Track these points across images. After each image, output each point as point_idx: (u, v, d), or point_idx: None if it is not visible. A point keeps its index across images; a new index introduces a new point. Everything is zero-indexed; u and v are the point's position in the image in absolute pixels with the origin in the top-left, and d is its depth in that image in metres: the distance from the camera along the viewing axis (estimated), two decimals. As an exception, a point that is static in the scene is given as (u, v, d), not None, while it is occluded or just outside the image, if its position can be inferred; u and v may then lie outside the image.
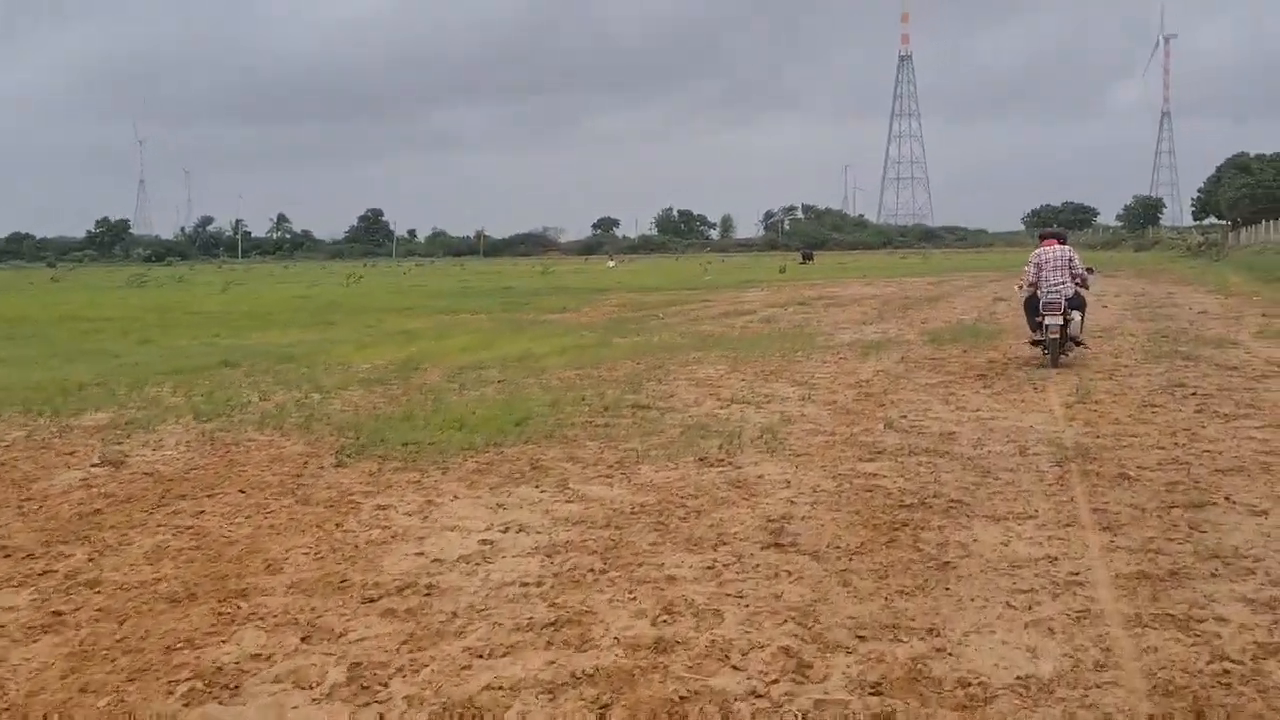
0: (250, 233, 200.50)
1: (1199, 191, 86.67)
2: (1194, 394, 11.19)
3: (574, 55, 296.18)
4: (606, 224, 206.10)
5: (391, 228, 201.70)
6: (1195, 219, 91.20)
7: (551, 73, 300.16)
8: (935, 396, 11.40)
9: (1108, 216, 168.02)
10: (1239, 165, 77.47)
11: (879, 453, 8.52)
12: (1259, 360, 14.07)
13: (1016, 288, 16.91)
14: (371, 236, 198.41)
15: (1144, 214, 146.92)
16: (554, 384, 12.83)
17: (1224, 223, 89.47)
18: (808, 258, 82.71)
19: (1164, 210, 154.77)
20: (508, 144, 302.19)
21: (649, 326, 21.93)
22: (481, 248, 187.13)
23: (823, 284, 43.42)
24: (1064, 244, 14.78)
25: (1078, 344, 14.39)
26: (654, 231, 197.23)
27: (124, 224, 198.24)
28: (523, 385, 12.75)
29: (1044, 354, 14.16)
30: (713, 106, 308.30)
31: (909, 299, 30.97)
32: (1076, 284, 14.46)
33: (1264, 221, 63.90)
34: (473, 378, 13.45)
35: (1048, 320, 14.02)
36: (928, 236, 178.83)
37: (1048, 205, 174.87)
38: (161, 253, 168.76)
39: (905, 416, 10.14)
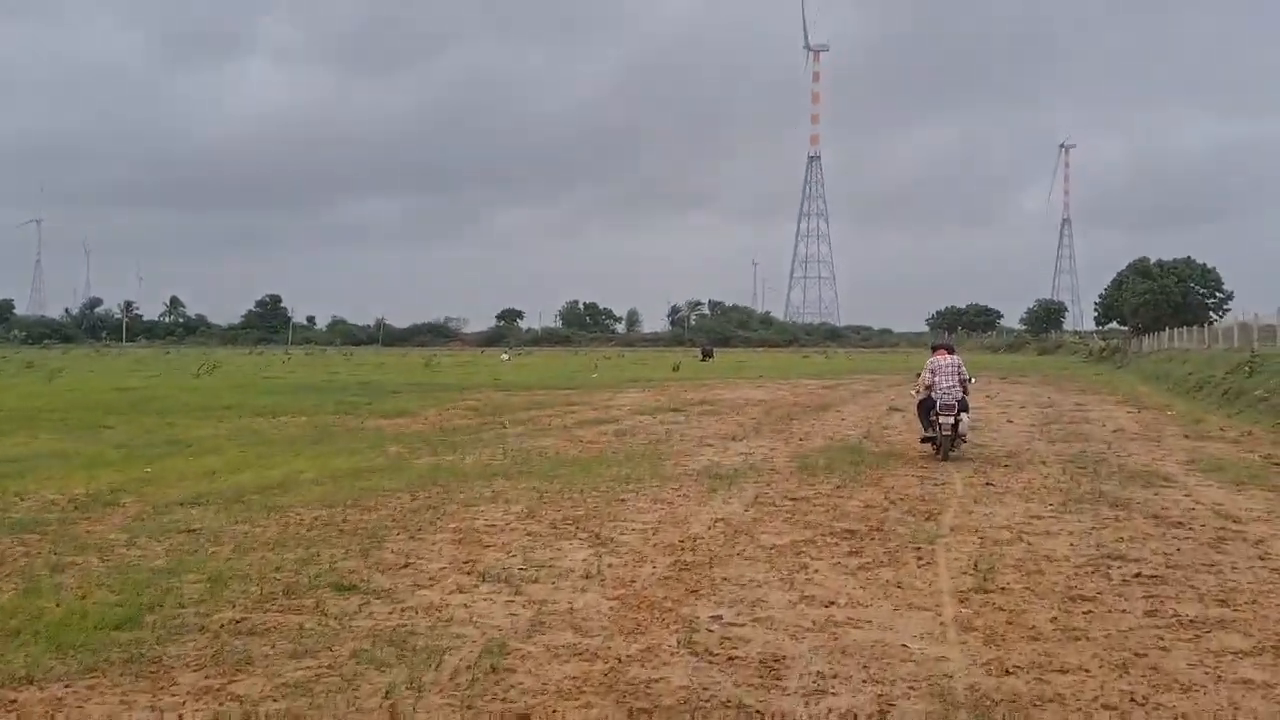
0: (141, 315, 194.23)
1: (1101, 296, 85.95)
2: (1137, 575, 8.00)
3: (484, 151, 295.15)
4: (510, 316, 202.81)
5: (290, 314, 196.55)
6: (1098, 324, 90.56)
7: (461, 168, 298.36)
8: (779, 573, 8.04)
9: (1011, 319, 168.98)
10: (1140, 270, 76.65)
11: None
12: (1205, 508, 11.04)
13: (913, 392, 18.34)
14: (268, 323, 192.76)
15: (1046, 317, 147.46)
16: (265, 536, 9.26)
17: (1125, 328, 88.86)
18: (707, 355, 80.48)
19: (1066, 314, 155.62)
20: (415, 235, 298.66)
21: (481, 439, 18.45)
22: (381, 337, 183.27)
23: (713, 385, 40.39)
24: (953, 354, 16.87)
25: (963, 440, 16.20)
26: (558, 324, 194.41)
27: (8, 304, 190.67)
28: (219, 537, 9.17)
29: (935, 449, 15.92)
30: (622, 203, 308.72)
31: (797, 406, 27.94)
32: (962, 387, 16.26)
33: (1166, 329, 62.59)
34: (166, 523, 9.82)
35: (941, 419, 15.67)
36: (833, 335, 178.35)
37: (952, 306, 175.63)
38: (43, 334, 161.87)
39: (721, 618, 6.75)
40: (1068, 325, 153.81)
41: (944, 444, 15.60)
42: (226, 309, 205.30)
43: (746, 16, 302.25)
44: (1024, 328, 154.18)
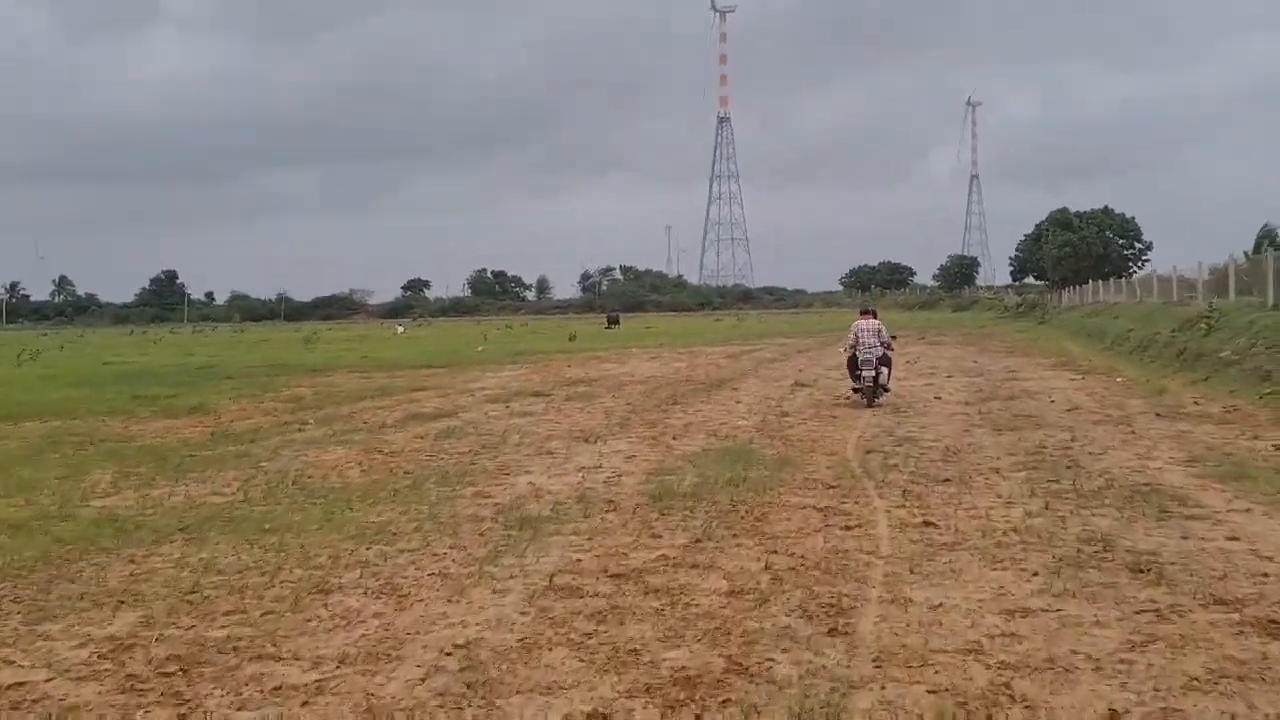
0: (29, 296, 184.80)
1: (1017, 250, 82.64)
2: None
3: (399, 121, 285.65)
4: (416, 286, 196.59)
5: (187, 290, 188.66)
6: (1014, 279, 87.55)
7: (375, 138, 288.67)
8: None
9: (924, 276, 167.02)
10: (1060, 222, 73.15)
11: None
12: None
13: (841, 350, 20.37)
14: (164, 300, 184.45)
15: (959, 273, 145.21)
16: None
17: (1041, 283, 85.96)
18: (613, 322, 76.38)
19: (979, 270, 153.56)
20: (326, 207, 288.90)
21: (240, 455, 13.78)
22: (282, 311, 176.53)
23: (605, 357, 35.93)
24: (875, 318, 18.97)
25: (886, 390, 18.41)
26: (467, 293, 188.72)
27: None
28: None
29: (861, 398, 18.05)
30: (534, 171, 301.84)
31: (689, 383, 23.57)
32: (884, 347, 18.30)
33: (1089, 281, 59.32)
34: None
35: (864, 373, 17.99)
36: (746, 297, 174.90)
37: (865, 265, 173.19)
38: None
39: None
40: (980, 281, 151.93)
41: (868, 393, 17.99)
42: (123, 287, 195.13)
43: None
44: (937, 284, 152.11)
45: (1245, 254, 45.27)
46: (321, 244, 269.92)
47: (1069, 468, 10.95)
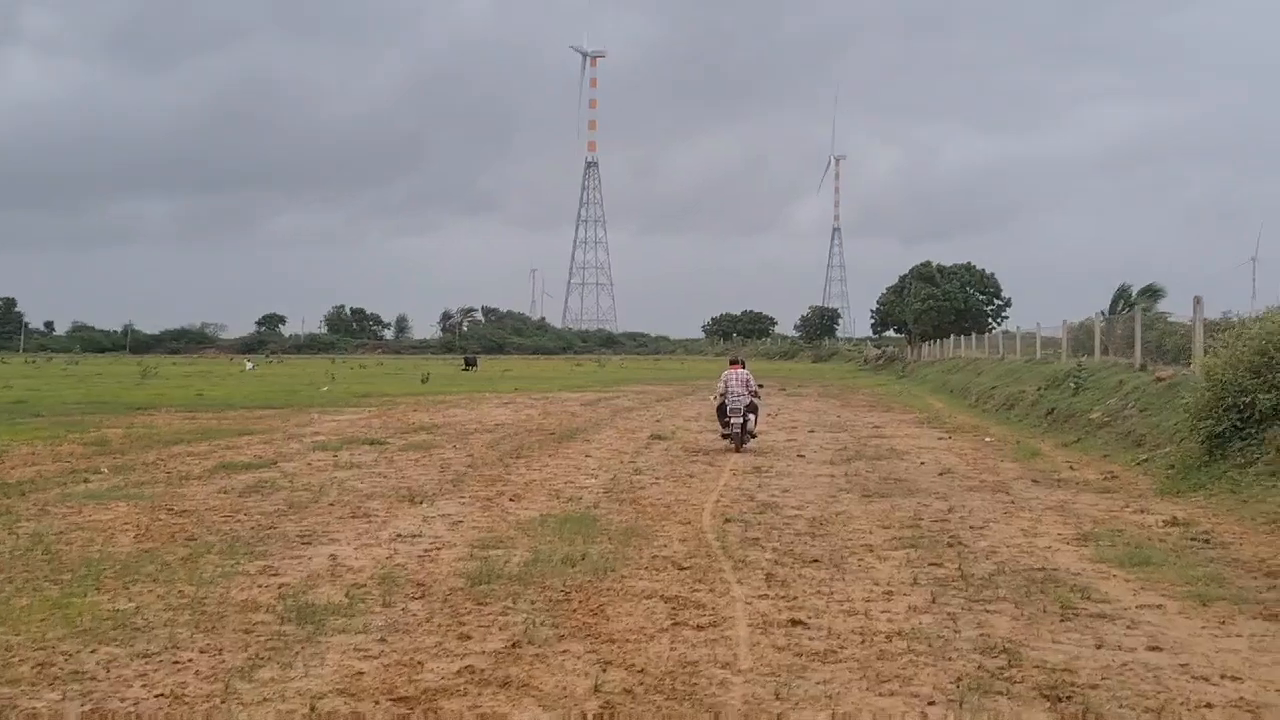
0: None
1: (879, 303, 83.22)
2: None
3: (265, 153, 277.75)
4: (271, 321, 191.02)
5: (25, 319, 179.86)
6: (875, 331, 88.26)
7: (239, 170, 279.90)
8: None
9: (786, 326, 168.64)
10: (924, 275, 73.65)
11: None
12: (1220, 689, 5.58)
13: (711, 398, 21.90)
14: (0, 328, 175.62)
15: (820, 324, 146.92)
16: None
17: (902, 336, 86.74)
18: (470, 364, 74.62)
19: (840, 321, 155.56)
20: (185, 239, 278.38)
21: None
22: (129, 344, 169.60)
23: (454, 402, 34.13)
24: (744, 367, 19.93)
25: (753, 435, 19.30)
26: (324, 330, 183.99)
27: None
28: None
29: (730, 443, 18.77)
30: (400, 208, 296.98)
31: (539, 433, 22.02)
32: (751, 395, 19.13)
33: (951, 336, 59.59)
34: None
35: (732, 420, 18.80)
36: (609, 342, 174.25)
37: (727, 314, 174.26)
38: None
39: None
40: (841, 332, 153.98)
41: (736, 439, 18.68)
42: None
43: (538, 22, 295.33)
44: (798, 335, 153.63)
45: (1102, 313, 45.85)
46: (177, 276, 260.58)
47: (950, 545, 9.69)
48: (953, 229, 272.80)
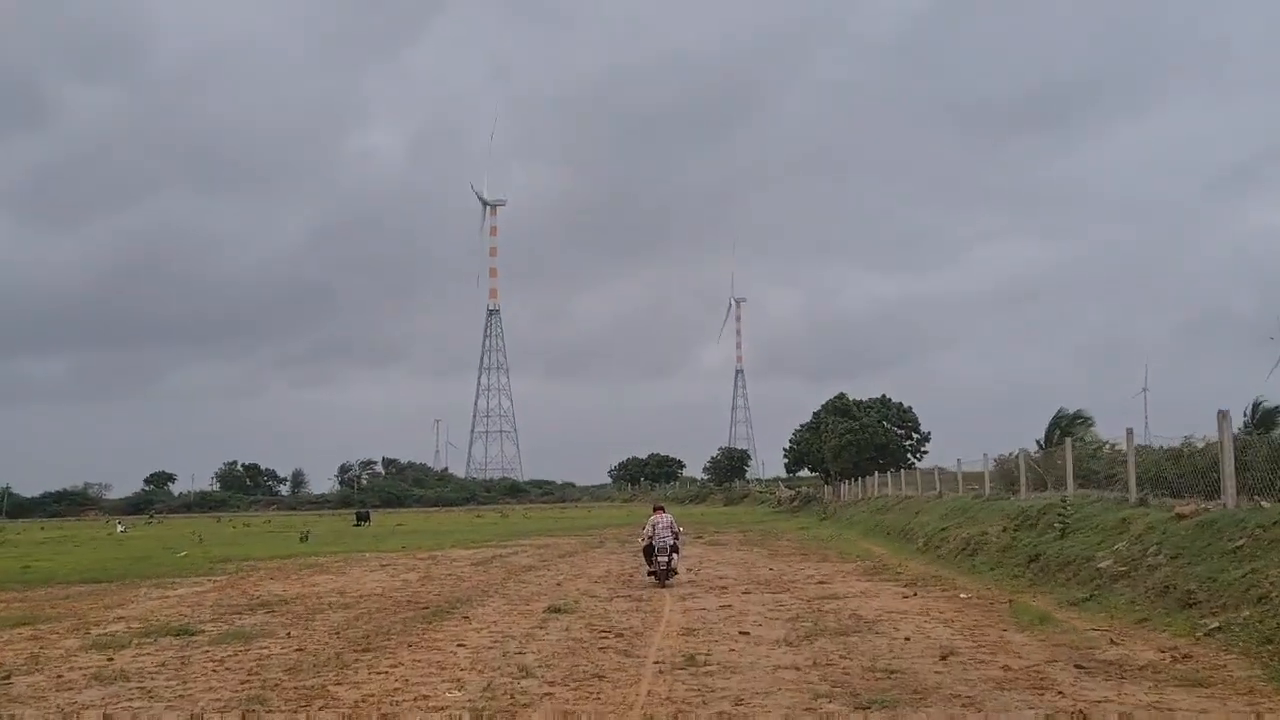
0: None
1: (791, 441, 79.55)
2: None
3: (166, 307, 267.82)
4: (160, 479, 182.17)
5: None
6: (788, 470, 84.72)
7: (131, 323, 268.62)
8: None
9: (694, 468, 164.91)
10: (840, 409, 69.91)
11: None
12: None
13: (639, 540, 22.46)
14: None
15: (730, 466, 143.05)
16: None
17: (817, 474, 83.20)
18: (362, 519, 70.00)
19: (749, 462, 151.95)
20: (70, 397, 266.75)
21: None
22: (4, 506, 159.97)
23: (327, 565, 29.38)
24: (666, 512, 22.01)
25: (674, 573, 21.10)
26: (215, 487, 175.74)
27: None
28: None
29: (656, 580, 20.72)
30: (301, 360, 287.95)
31: (409, 606, 17.57)
32: (675, 537, 21.10)
33: (875, 473, 55.99)
34: None
35: (659, 558, 20.79)
36: (514, 491, 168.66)
37: (634, 458, 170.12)
38: None
39: None
40: (751, 473, 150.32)
41: (661, 575, 20.77)
42: None
43: (448, 172, 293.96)
44: (707, 477, 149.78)
45: (1038, 443, 42.62)
46: (67, 435, 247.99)
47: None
48: (856, 367, 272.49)
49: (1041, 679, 9.84)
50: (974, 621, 14.06)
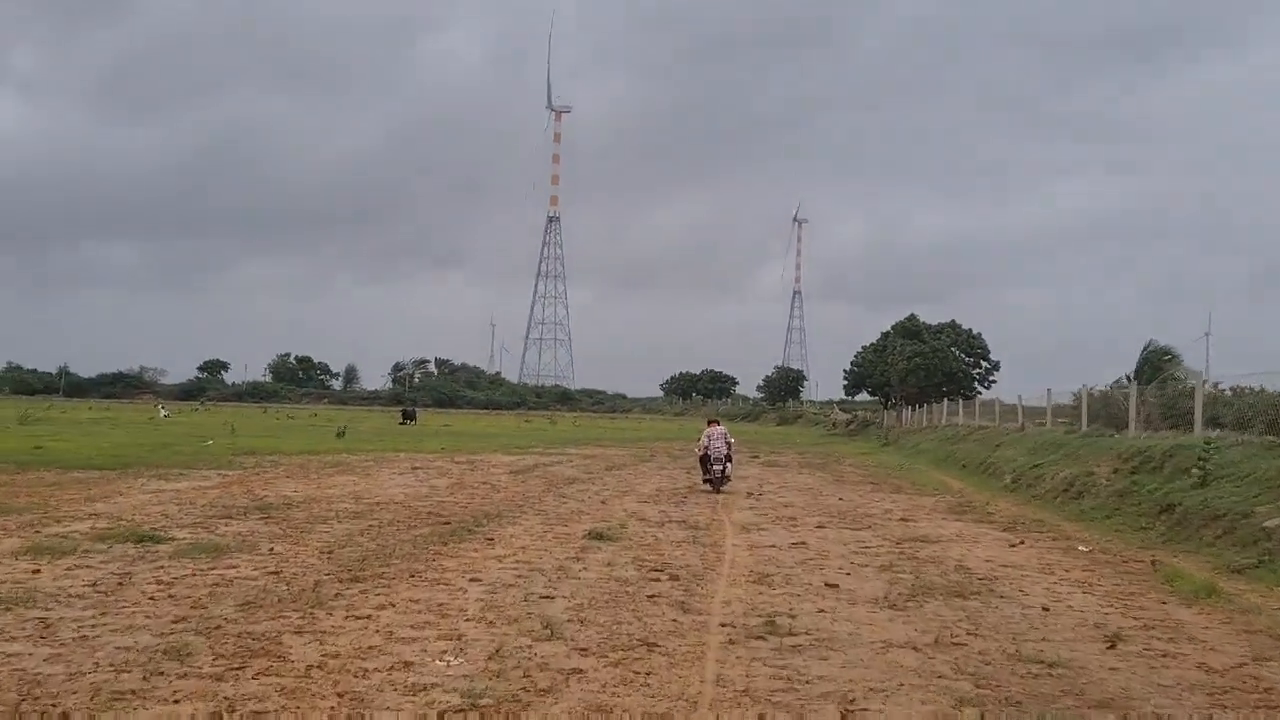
0: None
1: (853, 363, 76.28)
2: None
3: (230, 199, 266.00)
4: (214, 367, 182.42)
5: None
6: (848, 393, 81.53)
7: (202, 215, 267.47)
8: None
9: (747, 387, 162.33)
10: (908, 331, 66.47)
11: None
12: None
13: (695, 449, 24.12)
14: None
15: (785, 385, 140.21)
16: None
17: (877, 398, 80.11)
18: (408, 417, 68.19)
19: (805, 383, 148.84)
20: (139, 284, 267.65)
21: None
22: (62, 386, 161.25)
23: (355, 464, 27.08)
24: (720, 425, 23.43)
25: (727, 479, 22.44)
26: (268, 378, 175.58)
27: None
28: None
29: (711, 488, 22.00)
30: (365, 259, 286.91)
31: (430, 519, 15.08)
32: (728, 448, 22.44)
33: (943, 399, 52.83)
34: None
35: (714, 467, 22.07)
36: (565, 399, 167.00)
37: (686, 372, 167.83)
38: None
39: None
40: (805, 395, 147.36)
41: (716, 482, 22.13)
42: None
43: (524, 80, 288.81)
44: (761, 395, 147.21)
45: (1128, 377, 39.33)
46: (127, 320, 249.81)
47: None
48: (917, 296, 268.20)
49: (1269, 691, 6.99)
50: (1117, 588, 11.19)
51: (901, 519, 18.07)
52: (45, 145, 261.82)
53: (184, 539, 12.35)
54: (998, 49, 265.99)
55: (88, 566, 10.26)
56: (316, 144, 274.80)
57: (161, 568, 10.35)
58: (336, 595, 9.22)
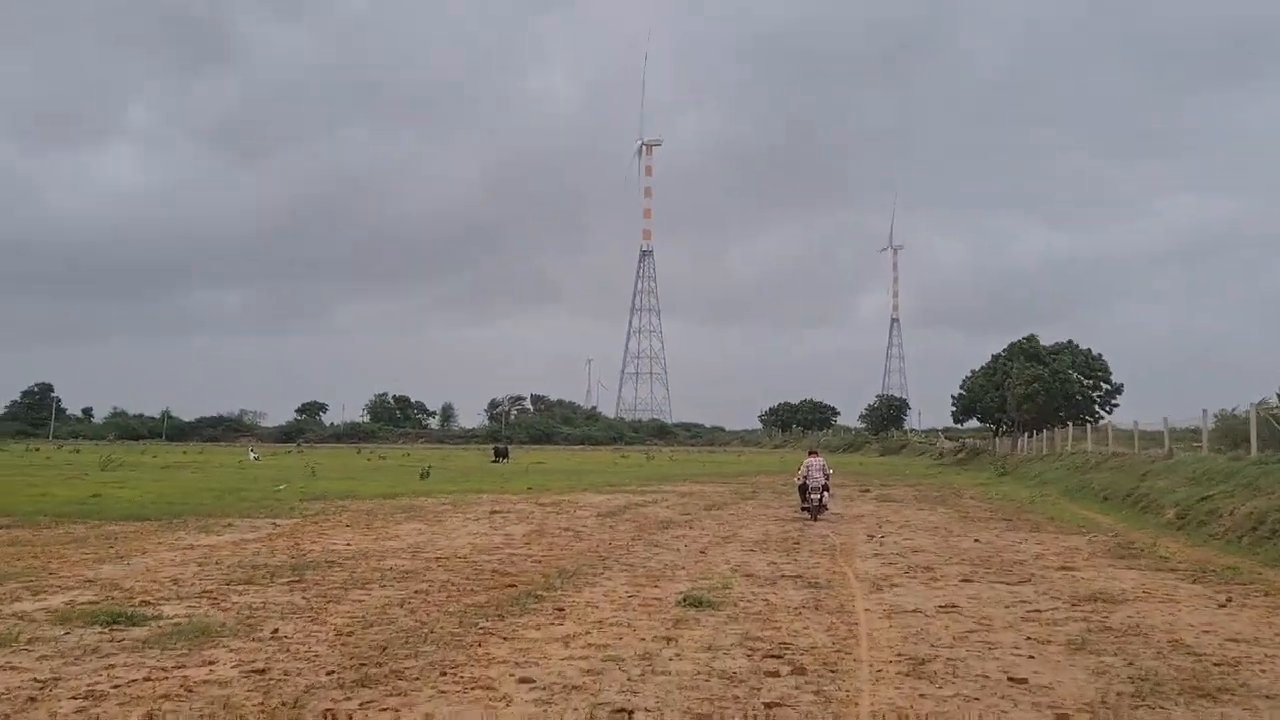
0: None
1: (962, 388, 72.14)
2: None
3: (338, 245, 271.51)
4: (312, 409, 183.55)
5: (62, 405, 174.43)
6: (956, 420, 77.39)
7: (310, 261, 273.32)
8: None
9: (848, 417, 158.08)
10: (1028, 353, 62.30)
11: None
12: None
13: (795, 480, 25.25)
14: (37, 414, 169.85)
15: (887, 414, 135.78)
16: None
17: (987, 425, 75.95)
18: (500, 455, 66.45)
19: (908, 411, 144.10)
20: (243, 328, 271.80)
21: None
22: (165, 430, 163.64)
23: (431, 508, 24.70)
24: (818, 456, 24.31)
25: (825, 509, 23.29)
26: (365, 418, 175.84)
27: None
28: None
29: (809, 515, 22.91)
30: (462, 298, 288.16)
31: (494, 580, 12.35)
32: (825, 478, 23.44)
33: (1064, 424, 48.94)
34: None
35: (812, 495, 23.11)
36: (662, 433, 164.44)
37: (785, 403, 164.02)
38: None
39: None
40: (908, 424, 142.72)
41: (814, 511, 23.04)
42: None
43: (620, 116, 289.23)
44: (863, 425, 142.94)
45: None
46: (230, 363, 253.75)
47: None
48: (1020, 321, 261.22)
49: None
50: None
51: (1062, 567, 14.97)
52: (159, 196, 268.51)
53: (172, 617, 9.79)
54: (1103, 64, 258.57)
55: (13, 668, 7.71)
56: (417, 185, 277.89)
57: (111, 666, 7.78)
58: (326, 714, 6.52)
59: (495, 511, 24.03)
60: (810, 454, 24.65)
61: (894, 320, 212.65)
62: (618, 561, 14.93)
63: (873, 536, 19.32)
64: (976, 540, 18.90)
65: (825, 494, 23.36)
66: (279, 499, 27.97)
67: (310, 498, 28.50)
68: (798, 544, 17.82)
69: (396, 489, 32.85)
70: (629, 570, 13.97)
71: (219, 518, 21.54)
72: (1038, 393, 57.47)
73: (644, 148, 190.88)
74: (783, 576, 13.57)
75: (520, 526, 20.32)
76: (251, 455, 73.00)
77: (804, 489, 23.53)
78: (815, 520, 22.48)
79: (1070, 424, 49.33)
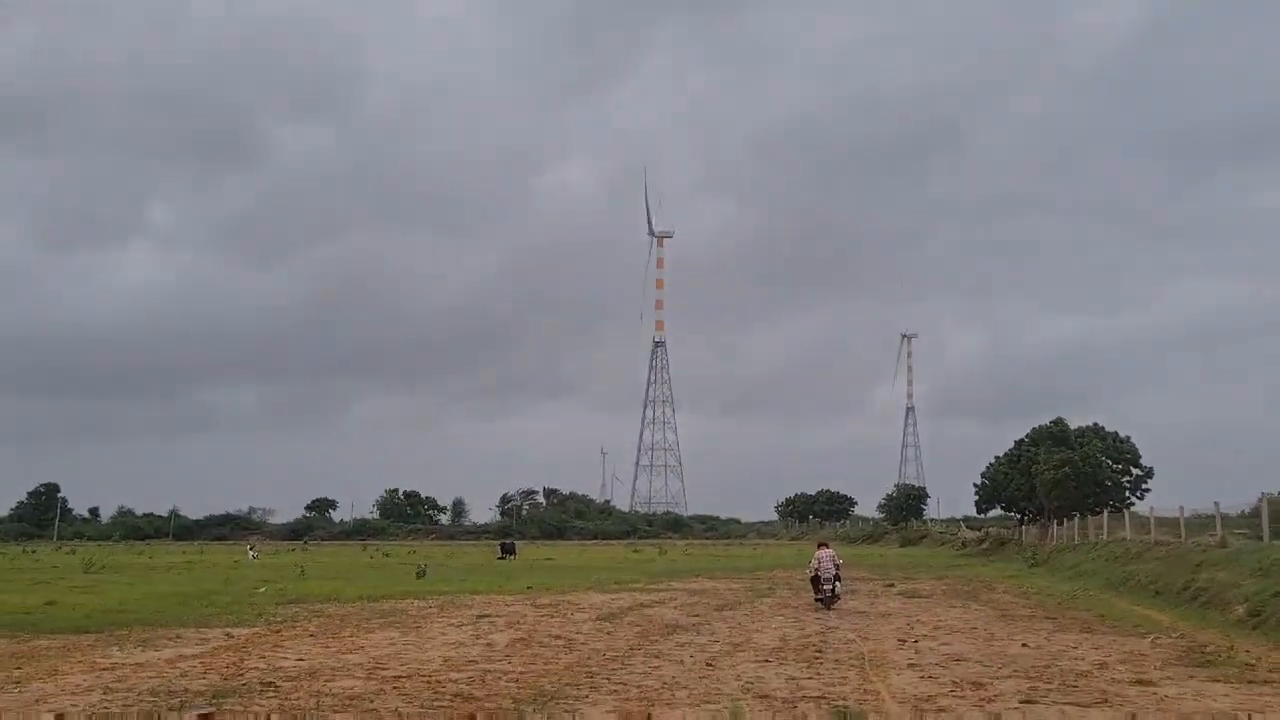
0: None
1: (984, 477, 69.41)
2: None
3: (352, 342, 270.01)
4: (321, 506, 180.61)
5: (68, 504, 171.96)
6: (980, 510, 74.46)
7: (324, 358, 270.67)
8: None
9: (865, 507, 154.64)
10: (1056, 436, 59.77)
11: None
12: None
13: (808, 572, 25.37)
14: (43, 514, 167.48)
15: (906, 504, 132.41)
16: None
17: (1012, 514, 73.14)
18: (507, 551, 64.36)
19: (927, 501, 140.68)
20: (259, 427, 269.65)
21: None
22: (172, 529, 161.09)
23: (413, 612, 22.46)
24: (829, 548, 25.29)
25: (837, 598, 24.13)
26: (375, 515, 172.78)
27: None
28: None
29: (821, 605, 23.79)
30: (475, 394, 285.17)
31: (468, 705, 9.93)
32: (836, 569, 24.25)
33: (1098, 511, 46.27)
34: None
35: (824, 586, 23.95)
36: (676, 526, 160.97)
37: (802, 494, 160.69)
38: None
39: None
40: (928, 513, 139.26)
41: (827, 601, 23.90)
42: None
43: (638, 210, 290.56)
44: (881, 515, 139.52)
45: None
46: (242, 461, 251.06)
47: None
48: (1036, 409, 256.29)
49: None
50: None
51: (1136, 681, 12.59)
52: (176, 294, 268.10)
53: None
54: (1113, 149, 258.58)
55: None
56: (431, 281, 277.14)
57: None
58: None
59: (483, 616, 21.78)
60: (821, 546, 25.64)
61: (909, 409, 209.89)
62: (608, 679, 12.66)
63: (904, 641, 16.99)
64: (1025, 645, 16.54)
65: (837, 583, 24.23)
66: (253, 603, 25.82)
67: (287, 601, 26.33)
68: (820, 652, 15.49)
69: (385, 590, 30.57)
70: (619, 691, 11.70)
71: (170, 628, 19.38)
72: (1068, 478, 54.81)
73: (655, 239, 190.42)
74: (805, 698, 11.27)
75: (506, 634, 18.06)
76: (251, 554, 70.81)
77: (816, 580, 24.36)
78: (830, 609, 23.31)
79: (1105, 511, 46.62)
